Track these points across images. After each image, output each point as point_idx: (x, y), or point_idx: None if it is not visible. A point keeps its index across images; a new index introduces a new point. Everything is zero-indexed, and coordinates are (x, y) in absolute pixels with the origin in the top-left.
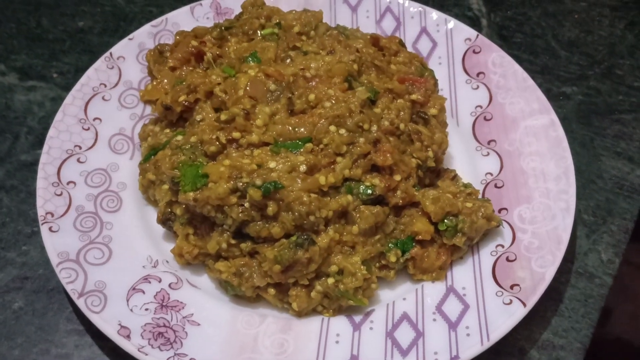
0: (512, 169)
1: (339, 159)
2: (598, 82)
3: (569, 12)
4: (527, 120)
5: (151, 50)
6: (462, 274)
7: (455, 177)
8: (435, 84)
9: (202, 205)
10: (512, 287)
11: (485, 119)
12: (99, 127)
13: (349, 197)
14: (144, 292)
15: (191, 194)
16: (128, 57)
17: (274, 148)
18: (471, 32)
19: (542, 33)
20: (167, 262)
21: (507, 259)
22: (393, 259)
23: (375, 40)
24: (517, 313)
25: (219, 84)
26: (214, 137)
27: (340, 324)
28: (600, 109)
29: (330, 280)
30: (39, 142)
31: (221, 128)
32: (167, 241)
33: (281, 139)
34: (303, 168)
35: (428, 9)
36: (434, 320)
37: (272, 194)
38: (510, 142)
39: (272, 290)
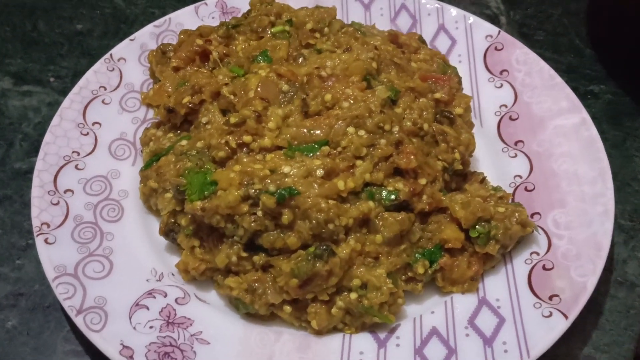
0: (542, 171)
1: (358, 162)
2: (627, 81)
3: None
4: (556, 119)
5: (153, 50)
6: (494, 285)
7: (484, 181)
8: (459, 81)
9: (211, 215)
10: (551, 297)
11: (510, 118)
12: (98, 132)
13: (371, 203)
14: (148, 308)
15: (198, 203)
16: (129, 59)
17: (288, 152)
18: (492, 29)
19: (565, 31)
20: (173, 275)
21: (544, 268)
22: (421, 270)
23: (394, 37)
24: (559, 326)
25: (226, 84)
26: (223, 141)
27: (363, 342)
28: (630, 108)
29: (353, 295)
30: (35, 150)
31: (230, 132)
32: (173, 252)
33: (296, 142)
34: (320, 173)
35: (446, 5)
36: (467, 335)
37: (287, 201)
38: (539, 143)
39: (288, 308)
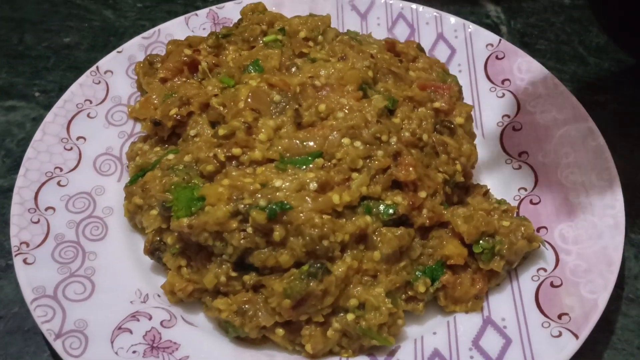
0: (548, 183)
1: (354, 175)
2: (634, 89)
3: (595, 18)
4: (562, 128)
5: (140, 62)
6: (500, 303)
7: (487, 193)
8: (460, 90)
9: (198, 233)
10: (560, 316)
11: (514, 129)
12: (82, 147)
13: (368, 218)
14: (131, 332)
15: (185, 219)
16: (117, 71)
17: (280, 165)
18: (493, 37)
19: (568, 39)
20: (159, 296)
21: (552, 285)
22: (422, 289)
23: (390, 45)
24: (569, 346)
25: (215, 95)
26: (211, 154)
27: None
28: (638, 117)
29: (350, 317)
30: (17, 166)
31: (219, 144)
32: (159, 272)
33: (288, 155)
34: (313, 186)
35: (444, 14)
36: (471, 357)
37: (279, 216)
38: (545, 154)
39: (280, 331)
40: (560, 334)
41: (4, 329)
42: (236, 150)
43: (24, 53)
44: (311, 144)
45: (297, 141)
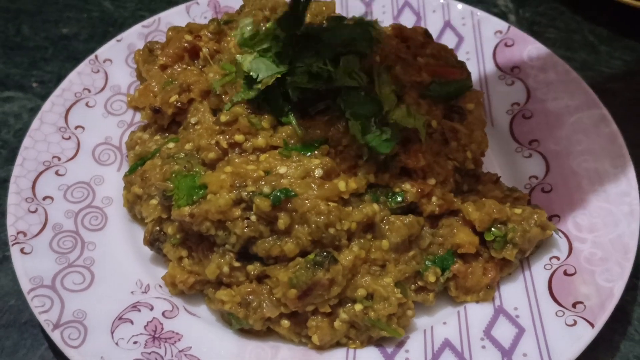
0: (561, 170)
1: (361, 161)
2: None
3: (605, 6)
4: (574, 115)
5: (140, 49)
6: (512, 292)
7: (498, 181)
8: (469, 77)
9: (200, 222)
10: (574, 305)
11: (524, 117)
12: (81, 136)
13: (375, 206)
14: (132, 322)
15: (186, 208)
16: (116, 60)
17: (284, 151)
18: (501, 24)
19: (578, 27)
20: (161, 286)
21: (565, 273)
22: (432, 278)
23: (397, 32)
24: (585, 336)
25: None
26: (213, 142)
27: (369, 356)
28: None
29: (358, 307)
30: (14, 157)
31: (221, 131)
32: (161, 263)
33: (292, 141)
34: (319, 172)
35: (451, 1)
36: (483, 347)
37: (283, 204)
38: (556, 141)
39: (286, 322)
40: (575, 323)
41: (0, 322)
42: (239, 137)
43: (21, 44)
44: (316, 130)
45: (302, 127)
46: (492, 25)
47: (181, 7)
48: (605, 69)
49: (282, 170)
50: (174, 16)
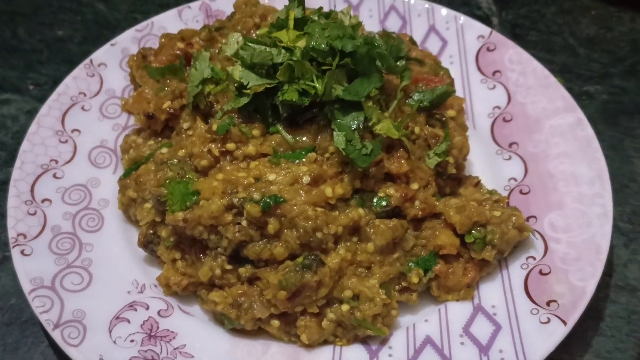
0: (538, 172)
1: (347, 168)
2: (622, 80)
3: (586, 9)
4: (552, 119)
5: (133, 55)
6: (490, 291)
7: (478, 184)
8: (452, 83)
9: (193, 226)
10: (548, 303)
11: (504, 120)
12: (77, 140)
13: (361, 210)
14: (129, 321)
15: (180, 213)
16: (110, 64)
17: (273, 159)
18: (484, 29)
19: (559, 30)
20: (156, 286)
21: (541, 272)
22: (415, 279)
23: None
24: (557, 332)
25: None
26: (206, 149)
27: (355, 353)
28: (627, 108)
29: (345, 307)
30: (12, 159)
31: (213, 139)
32: (155, 263)
33: (281, 150)
34: (306, 179)
35: (436, 5)
36: (462, 344)
37: (273, 209)
38: (535, 144)
39: (276, 322)
40: (548, 320)
41: (2, 320)
42: (230, 145)
43: (17, 46)
44: (304, 138)
45: (291, 136)
46: (475, 29)
47: (174, 11)
48: (583, 72)
49: (271, 177)
50: (167, 20)
